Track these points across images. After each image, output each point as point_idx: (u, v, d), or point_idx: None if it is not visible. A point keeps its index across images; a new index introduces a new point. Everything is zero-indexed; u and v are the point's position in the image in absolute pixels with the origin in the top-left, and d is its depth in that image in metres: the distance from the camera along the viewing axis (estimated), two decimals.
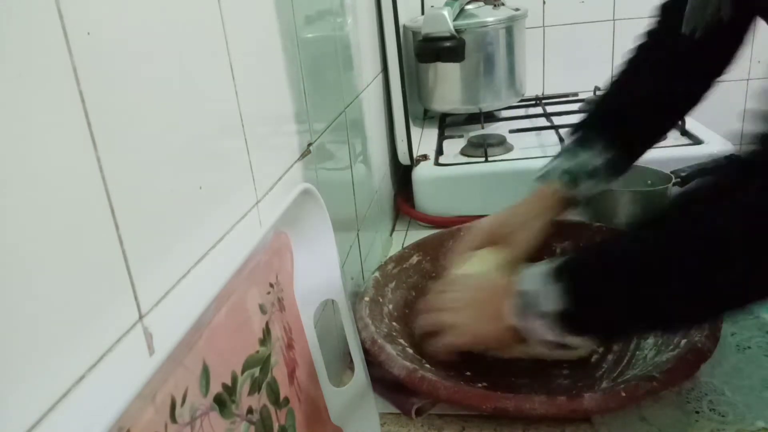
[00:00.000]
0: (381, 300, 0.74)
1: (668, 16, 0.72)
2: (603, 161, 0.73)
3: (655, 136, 0.78)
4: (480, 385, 0.64)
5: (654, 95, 0.73)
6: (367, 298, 0.73)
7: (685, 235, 0.48)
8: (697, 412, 0.58)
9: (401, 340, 0.69)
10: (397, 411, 0.63)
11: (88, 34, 0.29)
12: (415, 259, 0.83)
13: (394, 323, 0.72)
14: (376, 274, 0.78)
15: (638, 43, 0.76)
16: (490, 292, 0.62)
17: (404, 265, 0.81)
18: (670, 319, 0.52)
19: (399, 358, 0.63)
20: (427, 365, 0.65)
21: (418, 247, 0.85)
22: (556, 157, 0.76)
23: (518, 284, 0.56)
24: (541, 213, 0.75)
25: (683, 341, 0.61)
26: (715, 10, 0.61)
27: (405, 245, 0.87)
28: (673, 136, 1.04)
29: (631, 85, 0.75)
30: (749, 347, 0.66)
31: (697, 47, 0.66)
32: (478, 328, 0.61)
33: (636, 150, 0.76)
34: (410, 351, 0.67)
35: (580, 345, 0.60)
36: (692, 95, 0.73)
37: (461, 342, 0.62)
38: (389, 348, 0.64)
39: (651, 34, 0.75)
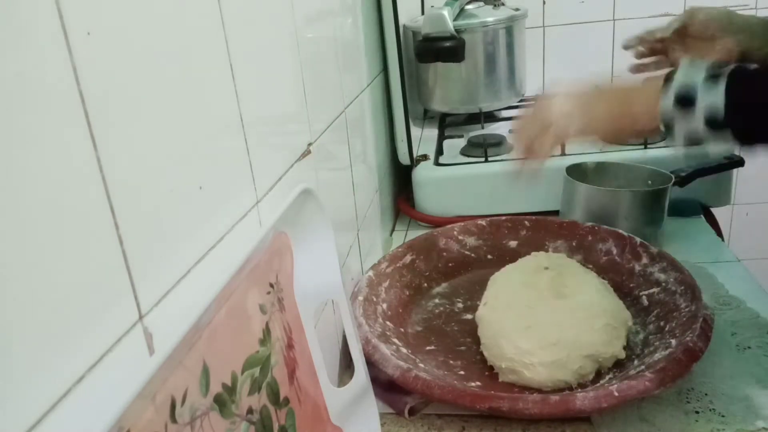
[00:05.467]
0: (375, 299, 0.74)
1: None
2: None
3: None
4: (474, 384, 0.64)
5: None
6: (360, 298, 0.73)
7: None
8: (697, 412, 0.58)
9: (395, 340, 0.69)
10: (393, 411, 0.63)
11: (88, 34, 0.29)
12: (408, 258, 0.83)
13: (387, 322, 0.72)
14: (370, 273, 0.78)
15: None
16: (620, 85, 0.66)
17: (398, 264, 0.82)
18: None
19: (393, 358, 0.63)
20: (421, 365, 0.65)
21: (412, 246, 0.85)
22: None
23: (677, 77, 0.58)
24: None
25: (674, 341, 0.62)
26: None
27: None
28: None
29: None
30: (749, 347, 0.66)
31: None
32: (607, 114, 0.63)
33: None
34: (404, 350, 0.67)
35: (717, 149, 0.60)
36: None
37: (579, 126, 0.63)
38: (383, 347, 0.64)
39: None
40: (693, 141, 0.59)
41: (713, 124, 0.56)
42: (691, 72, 0.58)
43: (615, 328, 0.64)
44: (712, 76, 0.56)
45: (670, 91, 0.58)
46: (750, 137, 0.58)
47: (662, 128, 0.60)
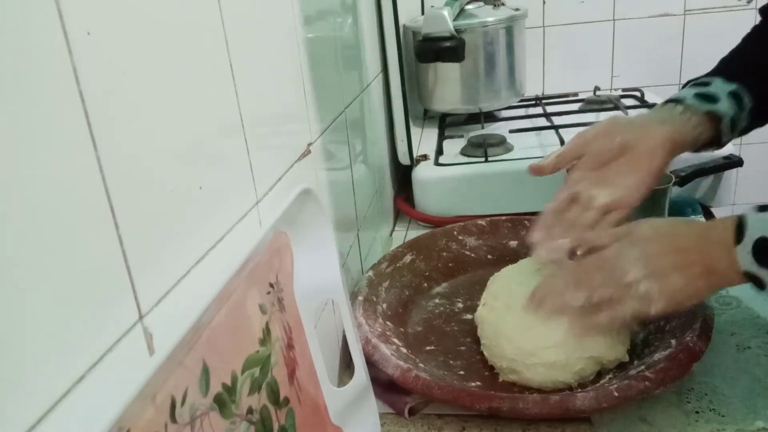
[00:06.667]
0: (375, 299, 0.74)
1: None
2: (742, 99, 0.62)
3: None
4: (474, 384, 0.64)
5: None
6: (360, 297, 0.73)
7: None
8: (697, 412, 0.58)
9: (395, 340, 0.69)
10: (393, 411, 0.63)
11: (88, 34, 0.29)
12: (408, 258, 0.83)
13: (387, 322, 0.72)
14: (370, 273, 0.78)
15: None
16: (694, 239, 0.53)
17: (398, 264, 0.82)
18: None
19: (393, 358, 0.63)
20: (421, 365, 0.65)
21: (412, 246, 0.85)
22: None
23: (750, 228, 0.49)
24: (671, 124, 0.59)
25: (674, 341, 0.62)
26: None
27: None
28: None
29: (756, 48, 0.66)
30: (749, 347, 0.66)
31: None
32: (686, 284, 0.52)
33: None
34: (404, 350, 0.67)
35: None
36: None
37: (659, 307, 0.53)
38: (383, 347, 0.64)
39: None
40: None
41: None
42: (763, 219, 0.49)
43: (619, 331, 0.64)
44: None
45: (745, 242, 0.49)
46: None
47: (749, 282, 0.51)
